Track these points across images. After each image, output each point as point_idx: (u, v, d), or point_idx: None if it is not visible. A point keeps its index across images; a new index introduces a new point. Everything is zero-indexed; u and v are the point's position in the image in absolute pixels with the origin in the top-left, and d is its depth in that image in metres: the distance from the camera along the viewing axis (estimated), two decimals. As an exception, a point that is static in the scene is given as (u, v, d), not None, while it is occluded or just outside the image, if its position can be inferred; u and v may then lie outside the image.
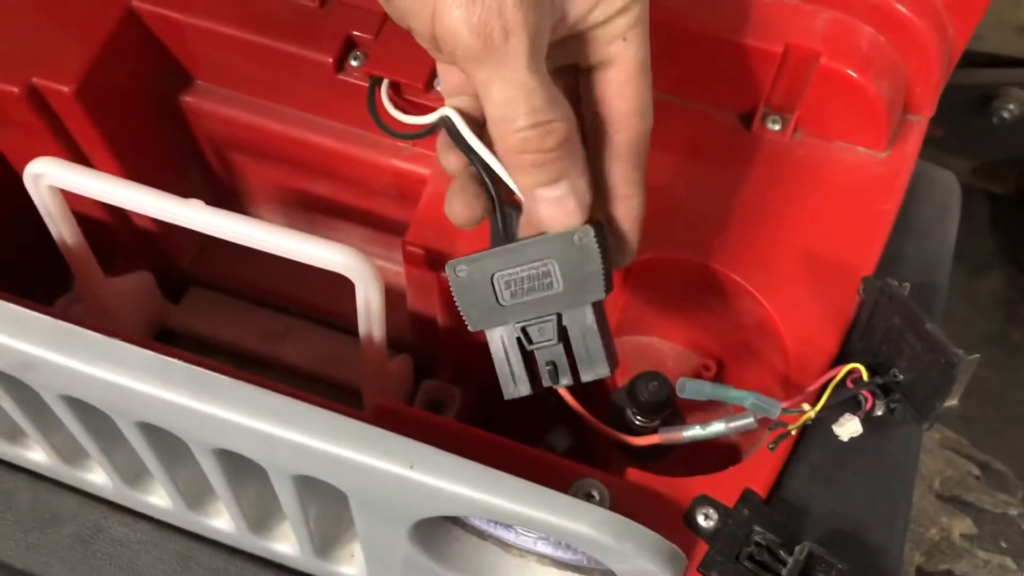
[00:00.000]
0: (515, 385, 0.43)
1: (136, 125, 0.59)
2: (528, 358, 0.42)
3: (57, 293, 0.67)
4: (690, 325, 0.56)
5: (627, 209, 0.42)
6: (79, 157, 0.59)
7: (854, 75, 0.49)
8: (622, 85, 0.40)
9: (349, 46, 0.55)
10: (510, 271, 0.41)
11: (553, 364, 0.42)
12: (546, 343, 0.41)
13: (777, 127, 0.53)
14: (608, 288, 0.40)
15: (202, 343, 0.71)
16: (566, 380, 0.42)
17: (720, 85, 0.53)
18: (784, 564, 0.43)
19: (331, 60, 0.55)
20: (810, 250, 0.51)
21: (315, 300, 0.71)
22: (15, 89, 0.53)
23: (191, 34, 0.56)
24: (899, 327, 0.45)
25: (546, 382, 0.43)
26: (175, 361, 0.43)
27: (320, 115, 0.58)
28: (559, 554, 0.49)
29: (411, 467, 0.40)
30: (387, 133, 0.55)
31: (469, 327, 0.42)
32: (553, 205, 0.39)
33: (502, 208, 0.42)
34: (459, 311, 0.42)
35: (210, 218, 0.50)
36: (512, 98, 0.36)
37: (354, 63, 0.55)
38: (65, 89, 0.54)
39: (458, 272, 0.41)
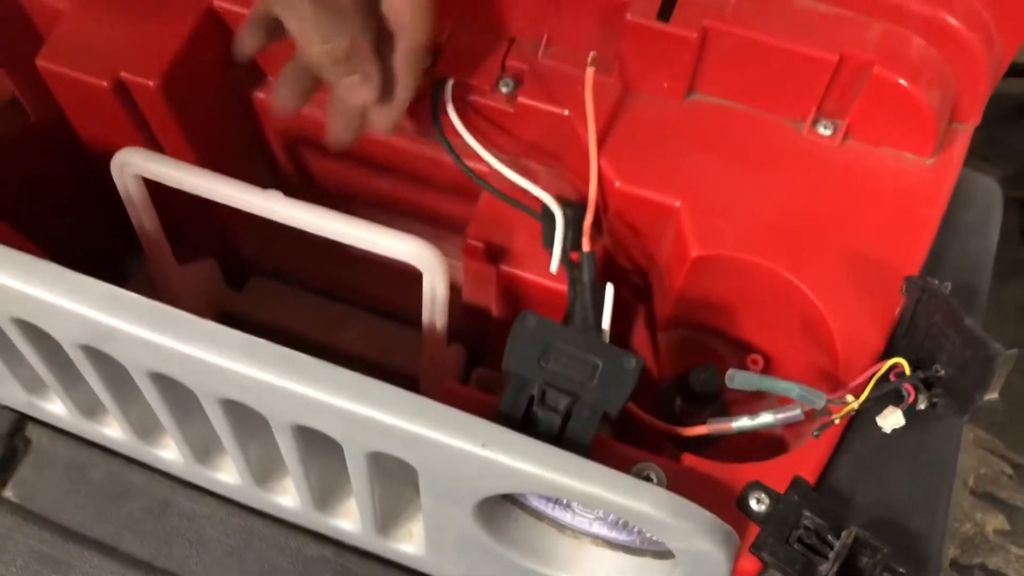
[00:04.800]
0: (506, 421, 0.47)
1: (211, 118, 0.62)
2: (528, 411, 0.47)
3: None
4: (740, 320, 0.59)
5: (401, 91, 0.54)
6: (155, 147, 0.62)
7: (905, 84, 0.51)
8: (401, 5, 0.51)
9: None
10: (568, 348, 0.46)
11: (545, 428, 0.47)
12: (551, 411, 0.46)
13: (829, 132, 0.55)
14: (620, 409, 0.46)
15: (262, 329, 0.73)
16: None
17: (776, 91, 0.55)
18: (831, 547, 0.45)
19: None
20: (858, 250, 0.53)
21: (371, 290, 0.74)
22: (104, 83, 0.56)
23: (267, 33, 0.59)
24: (940, 324, 0.47)
25: None
26: (263, 341, 0.46)
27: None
28: (613, 535, 0.52)
29: (483, 445, 0.43)
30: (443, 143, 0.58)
31: (504, 364, 0.47)
32: (350, 88, 0.52)
33: (596, 301, 0.51)
34: (507, 346, 0.47)
35: (289, 209, 0.53)
36: (303, 30, 0.50)
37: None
38: (150, 83, 0.56)
39: (528, 320, 0.46)
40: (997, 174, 1.29)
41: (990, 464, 0.84)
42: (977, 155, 1.28)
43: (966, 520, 0.79)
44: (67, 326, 0.48)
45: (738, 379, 0.47)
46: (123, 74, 0.56)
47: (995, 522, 0.80)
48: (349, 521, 0.59)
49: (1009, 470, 0.84)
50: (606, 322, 0.51)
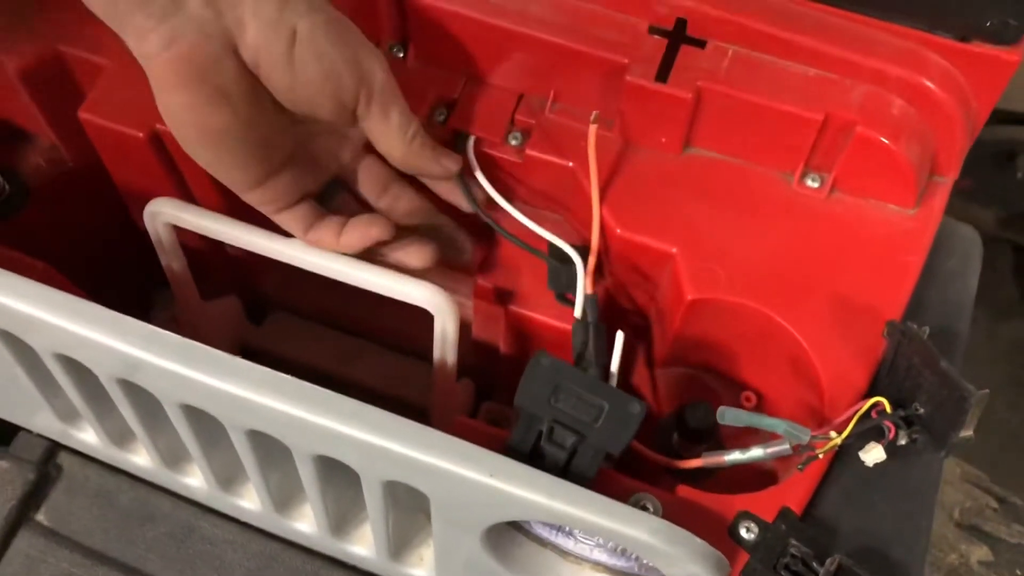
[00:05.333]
0: (515, 454, 0.50)
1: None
2: (536, 445, 0.50)
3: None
4: (733, 360, 0.62)
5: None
6: (185, 192, 0.66)
7: (886, 142, 0.55)
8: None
9: (436, 103, 0.62)
10: (577, 389, 0.49)
11: (552, 463, 0.50)
12: (557, 447, 0.49)
13: (816, 185, 0.59)
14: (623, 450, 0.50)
15: (281, 363, 0.77)
16: None
17: (766, 146, 0.58)
18: (816, 574, 0.48)
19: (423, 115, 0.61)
20: (845, 295, 0.56)
21: (385, 326, 0.78)
22: (140, 134, 0.60)
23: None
24: (918, 366, 0.50)
25: None
26: (289, 377, 0.50)
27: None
28: (613, 561, 0.55)
29: (491, 475, 0.46)
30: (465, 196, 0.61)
31: (516, 400, 0.50)
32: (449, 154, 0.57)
33: (598, 340, 0.55)
34: (521, 383, 0.50)
35: (309, 256, 0.57)
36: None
37: (439, 119, 0.62)
38: (183, 135, 0.60)
39: (542, 360, 0.49)
40: (991, 216, 1.34)
41: (975, 498, 0.87)
42: (972, 199, 1.32)
43: (951, 551, 0.82)
44: (106, 361, 0.51)
45: (728, 416, 0.51)
46: (158, 126, 0.60)
47: (979, 553, 0.83)
48: (363, 546, 0.62)
49: (994, 504, 0.87)
50: (614, 365, 0.54)
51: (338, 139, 0.55)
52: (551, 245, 0.58)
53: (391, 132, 0.53)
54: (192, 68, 0.47)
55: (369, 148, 0.55)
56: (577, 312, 0.57)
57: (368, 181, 0.57)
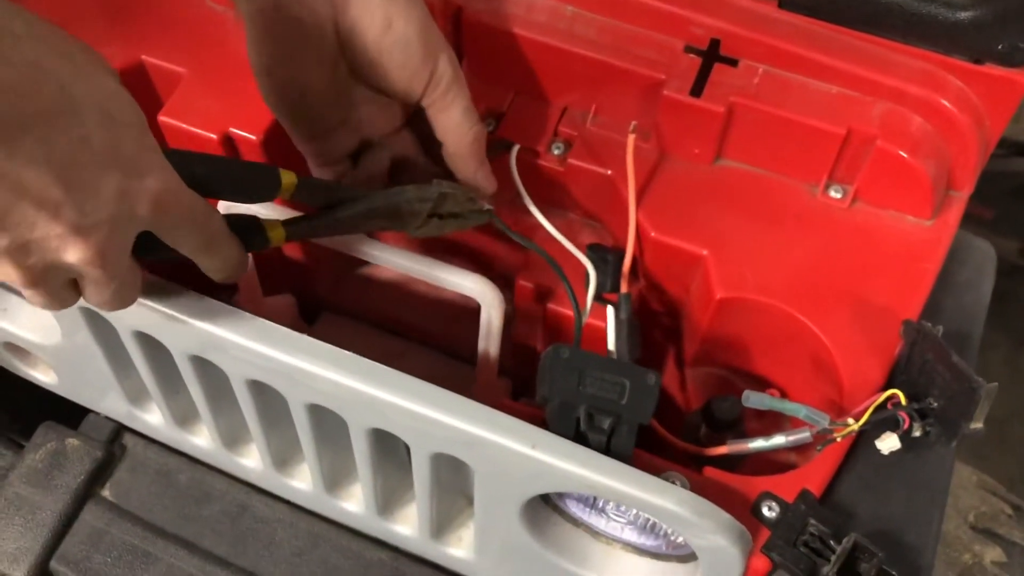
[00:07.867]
0: None
1: (301, 171, 0.71)
2: (577, 432, 0.54)
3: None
4: (758, 358, 0.66)
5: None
6: (250, 195, 0.71)
7: (905, 156, 0.59)
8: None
9: (486, 114, 0.67)
10: (600, 374, 0.53)
11: (595, 447, 0.52)
12: (597, 431, 0.53)
13: (839, 195, 0.63)
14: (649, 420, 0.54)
15: (331, 359, 0.82)
16: None
17: (793, 158, 0.63)
18: (833, 551, 0.52)
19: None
20: (864, 298, 0.60)
21: (428, 327, 0.82)
22: (214, 136, 0.66)
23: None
24: (932, 361, 0.54)
25: None
26: (350, 354, 0.54)
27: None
28: (641, 540, 0.58)
29: (533, 447, 0.50)
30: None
31: (545, 393, 0.54)
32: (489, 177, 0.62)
33: (632, 337, 0.59)
34: (545, 376, 0.54)
35: (374, 249, 0.62)
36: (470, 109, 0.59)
37: (489, 128, 0.66)
38: (253, 138, 0.66)
39: (562, 352, 0.53)
40: (1013, 246, 1.37)
41: (991, 504, 0.90)
42: (995, 229, 1.36)
43: (965, 551, 0.85)
44: (184, 338, 0.56)
45: (752, 399, 0.54)
46: (231, 129, 0.66)
47: (993, 554, 0.86)
48: (407, 526, 0.66)
49: (1009, 510, 0.90)
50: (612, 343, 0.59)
51: (380, 107, 0.61)
52: (589, 247, 0.63)
53: (451, 125, 0.59)
54: (292, 27, 0.54)
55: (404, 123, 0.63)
56: (585, 312, 0.61)
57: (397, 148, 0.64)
